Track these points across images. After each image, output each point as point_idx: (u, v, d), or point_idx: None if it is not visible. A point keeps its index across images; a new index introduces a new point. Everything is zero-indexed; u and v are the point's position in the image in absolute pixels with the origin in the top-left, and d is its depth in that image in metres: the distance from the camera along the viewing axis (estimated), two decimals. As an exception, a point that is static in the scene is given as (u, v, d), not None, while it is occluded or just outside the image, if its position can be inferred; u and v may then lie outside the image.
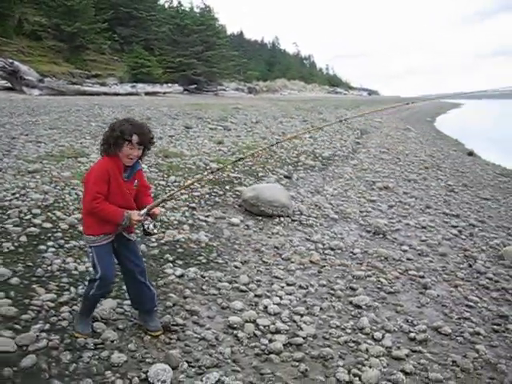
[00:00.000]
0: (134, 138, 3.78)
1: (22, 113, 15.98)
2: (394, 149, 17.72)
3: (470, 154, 20.05)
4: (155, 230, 4.16)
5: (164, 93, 36.94)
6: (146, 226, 4.05)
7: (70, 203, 6.99)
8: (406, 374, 4.37)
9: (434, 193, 11.78)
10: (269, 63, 75.31)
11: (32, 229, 5.94)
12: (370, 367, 4.34)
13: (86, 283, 4.34)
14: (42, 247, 5.51)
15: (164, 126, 15.28)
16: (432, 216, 9.67)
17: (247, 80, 54.99)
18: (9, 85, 28.73)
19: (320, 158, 13.72)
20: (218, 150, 12.16)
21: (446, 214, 9.96)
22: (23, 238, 5.67)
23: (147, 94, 34.64)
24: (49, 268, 5.08)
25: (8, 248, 5.39)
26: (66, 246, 5.66)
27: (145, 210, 3.96)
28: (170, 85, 39.85)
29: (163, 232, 6.52)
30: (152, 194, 4.39)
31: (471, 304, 6.03)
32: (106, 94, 31.24)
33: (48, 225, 6.13)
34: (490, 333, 5.44)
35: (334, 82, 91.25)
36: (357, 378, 4.17)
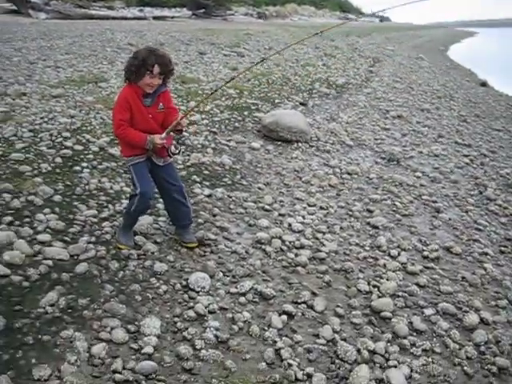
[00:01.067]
0: (156, 68, 3.89)
1: (35, 37, 15.91)
2: (407, 78, 17.66)
3: (483, 84, 19.94)
4: (177, 151, 4.32)
5: (172, 17, 36.08)
6: (167, 148, 4.22)
7: (97, 127, 7.23)
8: (419, 286, 4.76)
9: (447, 122, 11.93)
10: (278, -13, 73.28)
11: (65, 151, 6.22)
12: (388, 280, 4.73)
13: (128, 200, 4.66)
14: (77, 168, 5.81)
15: (178, 51, 15.24)
16: (444, 145, 9.88)
17: (256, 5, 53.52)
18: (14, 8, 28.04)
19: (334, 85, 13.77)
20: (234, 77, 12.25)
21: (458, 144, 10.18)
22: (58, 160, 5.96)
23: (155, 18, 33.86)
24: (86, 187, 5.39)
25: (46, 169, 5.69)
26: (99, 167, 5.96)
27: (164, 133, 4.09)
28: (178, 9, 38.86)
29: (188, 155, 6.79)
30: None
31: (480, 227, 6.38)
32: (113, 18, 30.57)
33: (79, 147, 6.40)
34: (497, 253, 5.81)
35: (345, 7, 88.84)
36: (376, 289, 4.56)
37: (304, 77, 14.05)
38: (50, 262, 3.96)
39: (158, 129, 4.15)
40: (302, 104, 11.06)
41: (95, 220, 4.77)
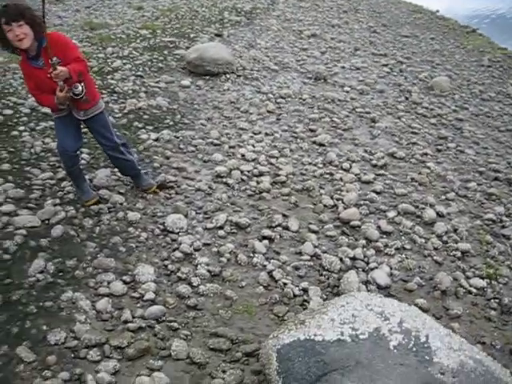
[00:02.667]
0: (2, 20, 3.51)
1: None
2: (310, -5, 17.64)
3: (382, -7, 20.25)
4: (77, 90, 3.80)
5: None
6: (73, 91, 3.81)
7: (19, 88, 6.85)
8: (377, 193, 5.06)
9: (359, 35, 12.15)
10: None
11: (-5, 117, 5.89)
12: (348, 191, 4.98)
13: None
14: (15, 133, 5.54)
15: (74, -5, 14.40)
16: (362, 58, 10.12)
17: None
18: None
19: (243, 12, 13.55)
20: (142, 16, 11.80)
21: (375, 54, 10.46)
22: (-10, 126, 5.66)
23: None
24: (32, 150, 5.18)
25: (-20, 137, 5.40)
26: (38, 128, 5.71)
27: (61, 82, 3.66)
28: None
29: (123, 102, 6.62)
30: (91, 68, 4.10)
31: (415, 131, 6.75)
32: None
33: (9, 111, 6.04)
34: (435, 152, 6.22)
35: None
36: (340, 202, 4.80)
37: (211, 7, 13.71)
38: (23, 231, 3.88)
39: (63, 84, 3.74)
40: (217, 35, 10.86)
41: (53, 182, 4.64)
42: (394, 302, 2.64)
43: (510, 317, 3.61)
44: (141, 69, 8.09)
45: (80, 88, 3.81)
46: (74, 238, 3.89)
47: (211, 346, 3.03)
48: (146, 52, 8.94)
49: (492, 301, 3.72)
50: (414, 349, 2.32)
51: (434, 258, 4.14)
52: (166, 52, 9.10)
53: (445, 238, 4.41)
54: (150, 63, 8.41)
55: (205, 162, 5.41)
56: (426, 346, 2.34)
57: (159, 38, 9.96)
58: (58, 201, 4.34)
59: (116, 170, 4.91)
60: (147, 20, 11.45)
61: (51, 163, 4.99)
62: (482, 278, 3.90)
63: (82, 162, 5.05)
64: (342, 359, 2.28)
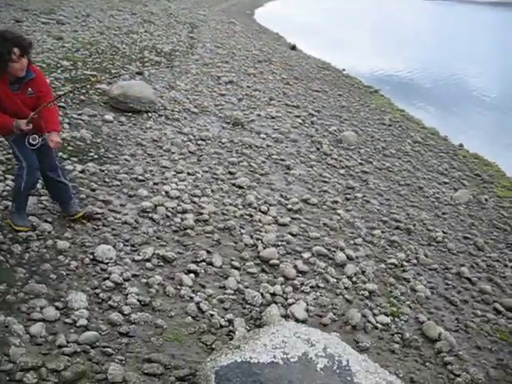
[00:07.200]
0: (16, 51, 3.81)
1: None
2: (227, 43, 18.33)
3: (293, 48, 21.46)
4: (34, 142, 4.21)
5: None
6: (27, 138, 4.17)
7: None
8: (292, 235, 5.46)
9: (273, 85, 12.86)
10: None
11: None
12: (266, 232, 5.34)
13: (14, 179, 4.55)
14: None
15: (-11, 19, 14.08)
16: (277, 107, 10.75)
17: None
18: None
19: (162, 53, 13.89)
20: (62, 47, 11.77)
21: (288, 105, 11.14)
22: None
23: None
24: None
25: None
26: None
27: (28, 119, 4.02)
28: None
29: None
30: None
31: (326, 180, 7.30)
32: None
33: None
34: (344, 200, 6.77)
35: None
36: (259, 241, 5.14)
37: (131, 45, 13.94)
38: (-51, 255, 3.85)
39: (28, 113, 4.08)
40: (138, 73, 11.08)
41: (-22, 206, 4.62)
42: (317, 331, 2.98)
43: (410, 349, 4.08)
44: (63, 100, 8.12)
45: (37, 141, 4.22)
46: (2, 263, 3.92)
47: (145, 371, 3.19)
48: (68, 83, 8.98)
49: (395, 335, 4.17)
50: (338, 371, 2.65)
51: (345, 296, 4.56)
52: (87, 86, 9.18)
53: (354, 279, 4.86)
54: (71, 95, 8.46)
55: (130, 196, 5.57)
56: (347, 368, 2.67)
57: (80, 70, 10.04)
58: (-18, 226, 4.34)
59: (42, 197, 4.97)
60: (67, 51, 11.46)
61: (-25, 187, 4.95)
62: (387, 315, 4.36)
63: (7, 188, 5.07)
64: (276, 379, 2.56)
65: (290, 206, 6.13)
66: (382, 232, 5.99)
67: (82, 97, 8.57)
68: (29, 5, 17.45)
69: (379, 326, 4.23)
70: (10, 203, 4.67)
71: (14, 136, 4.19)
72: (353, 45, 29.12)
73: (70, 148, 6.40)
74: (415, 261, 5.54)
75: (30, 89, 4.07)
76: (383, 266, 5.22)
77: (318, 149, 8.58)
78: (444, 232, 6.45)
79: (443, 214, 7.06)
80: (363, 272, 5.00)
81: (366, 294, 4.66)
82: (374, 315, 4.35)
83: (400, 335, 4.19)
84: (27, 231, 4.36)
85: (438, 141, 11.01)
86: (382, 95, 14.79)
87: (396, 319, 4.37)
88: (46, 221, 4.67)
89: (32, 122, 4.06)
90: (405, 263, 5.35)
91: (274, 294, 4.32)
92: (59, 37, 12.81)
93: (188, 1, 38.79)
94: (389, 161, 8.79)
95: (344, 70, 17.99)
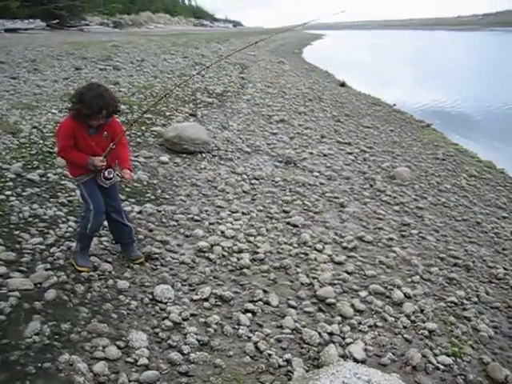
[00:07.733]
0: (104, 113, 4.14)
1: None
2: (277, 82, 18.66)
3: (342, 84, 21.60)
4: (110, 176, 4.50)
5: (26, 29, 34.37)
6: (102, 172, 4.44)
7: (3, 152, 7.06)
8: (348, 273, 5.41)
9: (324, 123, 12.95)
10: (130, -5, 72.75)
11: (-21, 180, 6.05)
12: (322, 271, 5.31)
13: (81, 220, 4.73)
14: (2, 197, 5.69)
15: (53, 67, 14.82)
16: (328, 145, 10.80)
17: (111, 14, 52.65)
18: None
19: (214, 94, 14.27)
20: (119, 91, 12.28)
21: (340, 143, 11.17)
22: (-25, 191, 5.81)
23: (7, 30, 32.07)
24: (20, 215, 5.34)
25: (-33, 200, 5.54)
26: (24, 194, 5.89)
27: (102, 156, 4.31)
28: (31, 20, 37.02)
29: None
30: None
31: (381, 216, 7.22)
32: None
33: (-8, 176, 6.24)
34: (399, 237, 6.66)
35: (198, 13, 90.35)
36: (315, 280, 5.12)
37: (184, 87, 14.38)
38: (17, 293, 4.00)
39: (101, 154, 4.34)
40: (191, 115, 11.42)
41: (43, 247, 4.81)
42: (377, 371, 2.94)
43: (474, 392, 3.93)
44: (121, 143, 8.41)
45: (112, 175, 4.52)
46: (67, 303, 4.04)
47: (205, 411, 3.22)
48: (124, 126, 9.29)
49: (458, 377, 4.03)
50: (401, 413, 2.61)
51: (404, 335, 4.46)
52: (143, 128, 9.53)
53: (413, 318, 4.75)
54: (128, 138, 8.76)
55: (186, 236, 5.68)
56: (410, 411, 2.62)
57: (136, 113, 10.40)
58: (48, 265, 4.50)
59: (103, 238, 5.14)
60: (124, 95, 11.93)
61: (39, 228, 5.16)
62: (449, 356, 4.22)
63: (69, 229, 5.27)
64: (338, 421, 2.54)
65: (345, 244, 6.09)
66: (440, 269, 5.85)
67: (138, 139, 8.87)
68: (87, 53, 18.38)
69: (441, 366, 4.10)
70: (72, 244, 4.86)
71: (84, 177, 4.42)
72: (402, 79, 29.08)
73: (127, 189, 6.61)
74: (476, 299, 5.37)
75: (105, 132, 4.36)
76: (442, 304, 5.08)
77: (372, 185, 8.53)
78: (505, 268, 6.23)
79: (503, 249, 6.84)
80: (422, 310, 4.89)
81: (426, 333, 4.54)
82: (435, 355, 4.23)
83: (463, 377, 4.05)
84: (89, 271, 4.51)
85: (495, 174, 10.74)
86: (434, 129, 14.61)
87: (458, 360, 4.23)
88: (106, 261, 4.82)
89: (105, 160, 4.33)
90: (465, 301, 5.20)
91: (331, 334, 4.28)
92: (116, 82, 13.36)
93: (237, 41, 39.88)
94: (444, 196, 8.63)
95: (395, 104, 17.91)
